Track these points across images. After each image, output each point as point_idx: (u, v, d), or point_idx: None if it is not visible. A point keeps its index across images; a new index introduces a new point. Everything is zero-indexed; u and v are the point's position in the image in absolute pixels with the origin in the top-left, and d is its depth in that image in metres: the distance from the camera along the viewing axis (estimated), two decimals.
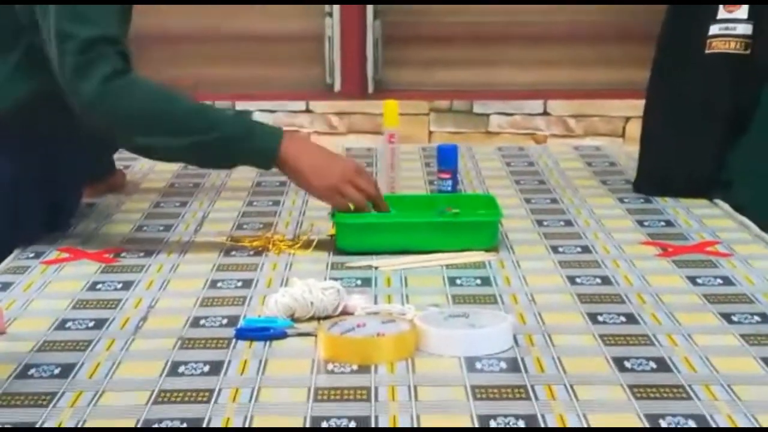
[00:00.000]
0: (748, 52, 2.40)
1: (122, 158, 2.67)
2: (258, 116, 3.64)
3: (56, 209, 2.21)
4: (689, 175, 2.45)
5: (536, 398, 1.44)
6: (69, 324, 1.73)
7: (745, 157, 2.41)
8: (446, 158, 2.39)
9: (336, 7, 3.67)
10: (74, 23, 1.98)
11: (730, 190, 2.40)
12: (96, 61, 1.97)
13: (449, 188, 2.37)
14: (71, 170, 2.24)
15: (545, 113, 3.66)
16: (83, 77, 1.97)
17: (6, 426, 1.38)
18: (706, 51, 2.43)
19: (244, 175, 2.71)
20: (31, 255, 2.08)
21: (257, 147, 2.03)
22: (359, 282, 1.92)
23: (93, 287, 1.91)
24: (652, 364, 1.54)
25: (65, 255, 2.08)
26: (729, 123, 2.42)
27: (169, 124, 2.01)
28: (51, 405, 1.43)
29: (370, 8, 3.68)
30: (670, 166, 2.48)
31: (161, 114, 2.01)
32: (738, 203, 2.35)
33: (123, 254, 2.09)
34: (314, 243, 2.13)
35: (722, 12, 2.42)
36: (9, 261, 2.06)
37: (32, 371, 1.54)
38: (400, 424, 1.37)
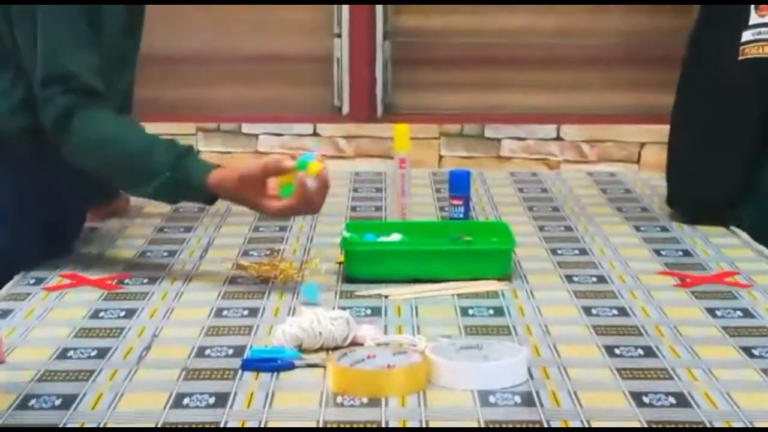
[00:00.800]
0: None
1: None
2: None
3: (58, 234, 2.18)
4: (720, 185, 2.42)
5: None
6: (70, 353, 1.69)
7: None
8: (458, 184, 2.35)
9: (345, 28, 3.64)
10: (33, 60, 2.05)
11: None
12: (48, 100, 2.03)
13: (461, 215, 2.33)
14: (73, 194, 2.22)
15: (558, 138, 3.62)
16: (42, 113, 2.05)
17: None
18: (740, 58, 2.39)
19: None
20: (32, 281, 2.05)
21: (192, 191, 2.01)
22: (369, 311, 1.88)
23: (95, 315, 1.87)
24: (672, 400, 1.50)
25: (67, 281, 2.04)
26: (761, 132, 2.39)
27: (113, 170, 2.06)
28: None
29: (379, 30, 3.65)
30: (700, 178, 2.45)
31: (106, 159, 2.04)
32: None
33: (126, 281, 2.05)
34: (323, 270, 2.09)
35: (755, 17, 2.39)
36: (9, 287, 2.02)
37: (32, 402, 1.51)
38: None
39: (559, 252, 2.24)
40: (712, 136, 2.44)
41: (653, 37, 3.60)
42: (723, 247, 2.27)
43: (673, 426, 1.42)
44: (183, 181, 1.99)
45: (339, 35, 3.66)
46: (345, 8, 3.66)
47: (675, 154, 2.53)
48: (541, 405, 1.49)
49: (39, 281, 2.04)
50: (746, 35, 2.40)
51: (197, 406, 1.49)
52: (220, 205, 2.63)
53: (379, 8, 3.66)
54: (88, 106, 2.04)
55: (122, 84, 2.23)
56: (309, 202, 1.94)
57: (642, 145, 3.57)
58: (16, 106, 2.10)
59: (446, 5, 3.72)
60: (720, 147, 2.44)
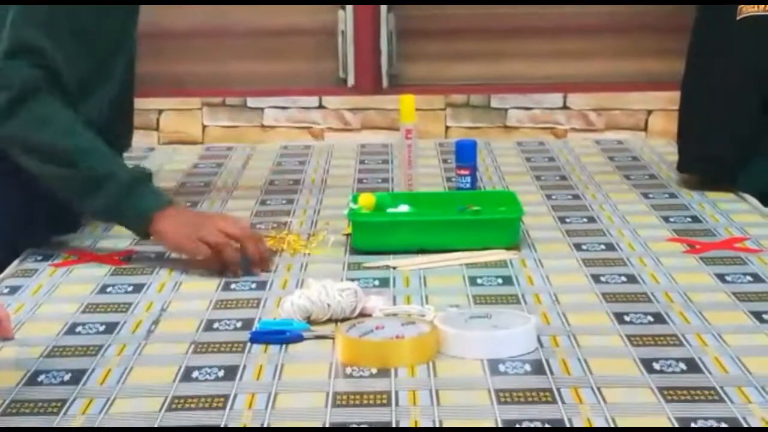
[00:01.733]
0: None
1: (131, 157, 2.63)
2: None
3: (64, 210, 2.17)
4: (730, 141, 2.42)
5: (563, 401, 1.40)
6: (79, 328, 1.69)
7: None
8: (465, 154, 2.34)
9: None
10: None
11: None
12: (8, 75, 1.97)
13: (468, 185, 2.32)
14: None
15: (565, 107, 3.60)
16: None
17: None
18: (738, 17, 2.40)
19: (257, 173, 2.67)
20: (40, 258, 2.04)
21: (131, 208, 1.99)
22: (377, 282, 1.87)
23: (103, 290, 1.87)
24: (682, 365, 1.50)
25: (74, 257, 2.04)
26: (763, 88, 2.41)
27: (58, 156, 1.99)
28: (62, 412, 1.40)
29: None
30: (710, 135, 2.45)
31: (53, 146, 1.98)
32: None
33: (133, 256, 2.04)
34: (330, 242, 2.08)
35: None
36: (17, 264, 2.02)
37: (42, 377, 1.51)
38: None
39: (567, 220, 2.23)
40: (718, 94, 2.45)
41: (660, 5, 3.58)
42: (732, 212, 2.26)
43: (684, 391, 1.41)
44: (127, 212, 1.99)
45: (343, 8, 3.64)
46: None
47: (686, 117, 2.53)
48: (551, 373, 1.48)
49: (46, 258, 2.04)
50: None
51: (206, 379, 1.49)
52: (227, 177, 2.64)
53: None
54: (45, 89, 1.99)
55: (123, 62, 2.20)
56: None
57: (649, 112, 3.55)
58: None
59: None
60: (727, 104, 2.44)
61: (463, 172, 2.33)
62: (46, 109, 1.98)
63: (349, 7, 3.63)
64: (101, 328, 1.69)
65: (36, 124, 1.97)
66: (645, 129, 3.55)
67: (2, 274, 1.96)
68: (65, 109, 2.01)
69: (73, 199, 2.03)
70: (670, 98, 3.36)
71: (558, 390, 1.43)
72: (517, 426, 1.33)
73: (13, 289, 1.88)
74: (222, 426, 1.36)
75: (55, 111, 1.99)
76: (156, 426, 1.36)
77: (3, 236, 2.09)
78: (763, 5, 2.41)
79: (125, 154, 2.54)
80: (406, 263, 1.96)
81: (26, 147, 1.99)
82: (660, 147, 2.93)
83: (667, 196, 2.41)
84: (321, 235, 2.12)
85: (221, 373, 1.50)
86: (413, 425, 1.35)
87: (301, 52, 3.70)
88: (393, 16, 3.64)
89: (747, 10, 2.42)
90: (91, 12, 2.07)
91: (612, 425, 1.33)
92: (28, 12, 2.00)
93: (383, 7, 3.63)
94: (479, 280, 1.87)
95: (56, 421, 1.38)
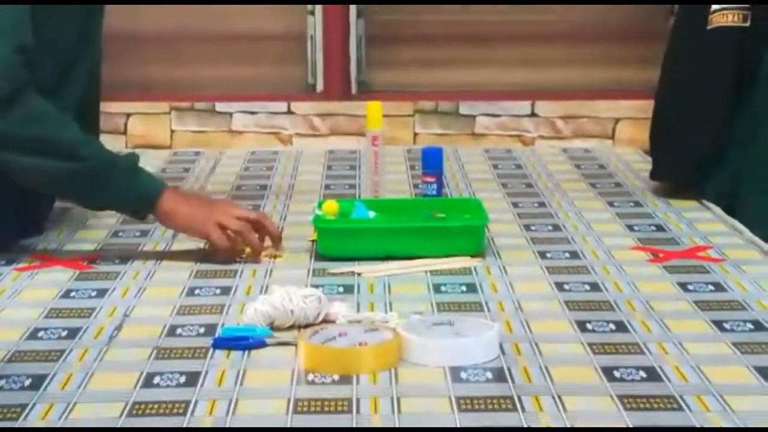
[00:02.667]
0: (747, 24, 2.40)
1: None
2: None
3: (27, 214, 2.16)
4: (700, 147, 2.45)
5: (523, 409, 1.40)
6: (41, 333, 1.69)
7: (750, 120, 2.42)
8: (431, 161, 2.34)
9: (318, 6, 3.62)
10: None
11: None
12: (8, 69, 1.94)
13: (434, 192, 2.33)
14: None
15: (533, 114, 3.61)
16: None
17: None
18: (708, 27, 2.42)
19: (222, 179, 2.67)
20: (3, 262, 2.03)
21: (138, 191, 2.01)
22: (341, 289, 1.87)
23: (66, 295, 1.86)
24: (642, 374, 1.51)
25: (38, 262, 2.03)
26: (734, 94, 2.44)
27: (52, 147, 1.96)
28: (21, 418, 1.39)
29: (353, 6, 3.63)
30: (682, 143, 2.48)
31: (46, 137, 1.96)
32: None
33: (98, 261, 2.04)
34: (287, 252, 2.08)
35: None
36: None
37: (2, 382, 1.50)
38: None
39: (533, 228, 2.24)
40: (689, 104, 2.47)
41: (629, 13, 3.59)
42: (696, 221, 2.28)
43: (644, 400, 1.42)
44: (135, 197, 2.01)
45: (312, 13, 3.64)
46: None
47: (659, 126, 2.55)
48: (513, 381, 1.49)
49: (10, 262, 2.03)
50: (714, 6, 2.43)
51: (168, 385, 1.49)
52: (193, 182, 2.63)
53: None
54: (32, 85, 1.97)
55: (86, 66, 2.19)
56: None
57: (617, 120, 3.56)
58: None
59: None
60: (698, 113, 2.46)
61: (429, 179, 2.33)
62: (40, 105, 1.96)
63: (319, 13, 3.63)
64: (63, 333, 1.68)
65: (33, 120, 1.95)
66: (612, 137, 3.56)
67: None
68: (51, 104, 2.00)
69: (74, 191, 2.02)
70: (638, 106, 3.38)
71: (519, 398, 1.43)
72: None
73: None
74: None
75: (47, 106, 1.97)
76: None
77: None
78: (730, 16, 2.43)
79: None
80: (371, 270, 1.96)
81: (24, 143, 1.95)
82: (627, 155, 2.94)
83: (632, 204, 2.43)
84: (287, 241, 2.12)
85: (183, 379, 1.50)
86: None
87: (270, 57, 3.69)
88: (363, 22, 3.64)
89: (716, 21, 2.44)
90: (51, 12, 2.05)
91: None
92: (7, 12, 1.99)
93: (353, 13, 3.63)
94: (443, 288, 1.87)
95: (15, 426, 1.37)
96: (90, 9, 2.15)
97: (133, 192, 2.00)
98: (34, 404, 1.43)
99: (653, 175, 2.55)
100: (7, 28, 1.96)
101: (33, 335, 1.68)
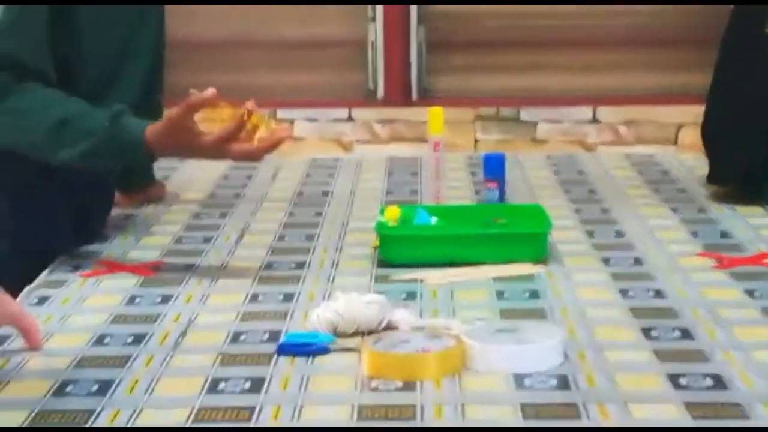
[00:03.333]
0: None
1: (162, 167, 2.64)
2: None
3: (84, 221, 2.18)
4: (756, 151, 2.41)
5: (588, 417, 1.39)
6: (107, 339, 1.70)
7: None
8: (493, 167, 2.34)
9: (379, 12, 3.63)
10: None
11: None
12: None
13: (496, 198, 2.32)
14: (92, 178, 2.19)
15: (595, 120, 3.60)
16: None
17: None
18: (766, 30, 2.39)
19: (286, 184, 2.68)
20: (69, 268, 2.05)
21: (129, 147, 1.96)
22: (404, 295, 1.87)
23: (131, 301, 1.88)
24: (709, 381, 1.49)
25: (103, 268, 2.05)
26: None
27: (33, 137, 1.98)
28: (89, 423, 1.40)
29: (414, 13, 3.64)
30: (737, 148, 2.45)
31: (29, 128, 1.98)
32: None
33: (162, 267, 2.05)
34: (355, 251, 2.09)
35: None
36: (46, 274, 2.03)
37: (69, 388, 1.51)
38: None
39: (596, 234, 2.22)
40: (744, 108, 2.44)
41: (690, 17, 3.57)
42: (761, 227, 2.25)
43: (710, 408, 1.41)
44: (120, 137, 1.94)
45: (373, 19, 3.65)
46: None
47: (712, 130, 2.52)
48: (577, 388, 1.48)
49: (76, 268, 2.05)
50: None
51: (232, 391, 1.49)
52: (257, 189, 2.64)
53: None
54: (23, 87, 1.98)
55: (135, 75, 2.19)
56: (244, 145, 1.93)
57: (679, 126, 3.54)
58: None
59: None
60: (754, 118, 2.43)
61: (491, 185, 2.33)
62: (22, 99, 1.98)
63: (379, 19, 3.64)
64: (129, 339, 1.70)
65: (13, 114, 1.98)
66: (675, 142, 3.54)
67: (31, 285, 1.97)
68: (42, 90, 2.00)
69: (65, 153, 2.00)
70: (701, 111, 3.35)
71: (584, 405, 1.42)
72: None
73: (42, 300, 1.89)
74: None
75: (30, 96, 1.99)
76: None
77: (29, 245, 2.10)
78: None
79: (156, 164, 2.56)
80: (434, 276, 1.96)
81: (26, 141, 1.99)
82: (690, 161, 2.92)
83: (696, 210, 2.40)
84: (351, 248, 2.12)
85: (247, 385, 1.51)
86: None
87: (331, 64, 3.71)
88: (423, 28, 3.65)
89: None
90: (92, 18, 2.06)
91: None
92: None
93: (413, 19, 3.64)
94: (506, 294, 1.87)
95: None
96: (137, 17, 2.15)
97: (120, 139, 1.96)
98: (102, 409, 1.44)
99: (710, 179, 2.52)
100: None
101: (99, 341, 1.69)
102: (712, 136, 2.53)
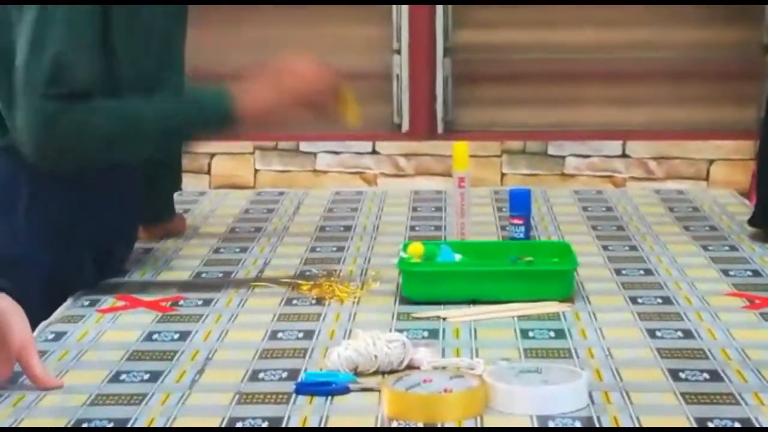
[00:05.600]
0: None
1: (182, 201, 2.62)
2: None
3: (106, 255, 2.16)
4: None
5: None
6: (123, 376, 1.67)
7: None
8: (519, 203, 2.30)
9: (404, 44, 3.61)
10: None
11: None
12: (28, 105, 1.91)
13: (522, 235, 2.28)
14: (120, 214, 2.18)
15: (624, 155, 3.56)
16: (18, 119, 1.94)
17: None
18: None
19: (307, 219, 2.65)
20: (86, 303, 2.03)
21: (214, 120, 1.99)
22: (426, 334, 1.84)
23: (149, 337, 1.85)
24: (737, 425, 1.45)
25: (121, 303, 2.02)
26: None
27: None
28: None
29: (440, 45, 3.62)
30: None
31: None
32: None
33: (181, 303, 2.03)
34: (377, 285, 2.06)
35: None
36: (64, 309, 2.01)
37: (85, 425, 1.48)
38: None
39: (624, 272, 2.19)
40: None
41: (720, 51, 3.54)
42: None
43: None
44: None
45: (399, 51, 3.63)
46: (404, 24, 3.62)
47: (763, 170, 2.47)
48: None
49: (93, 303, 2.03)
50: None
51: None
52: (278, 223, 2.62)
53: (439, 23, 3.63)
54: (74, 109, 1.94)
55: (176, 77, 2.15)
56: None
57: (711, 161, 3.50)
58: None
59: (507, 19, 3.67)
60: None
61: (516, 221, 2.29)
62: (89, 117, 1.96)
63: (405, 51, 3.62)
64: (146, 377, 1.67)
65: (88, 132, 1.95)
66: (706, 179, 3.50)
67: (48, 319, 1.95)
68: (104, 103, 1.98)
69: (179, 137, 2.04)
70: (733, 147, 3.32)
71: None
72: None
73: (59, 335, 1.86)
74: None
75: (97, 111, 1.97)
76: None
77: (55, 279, 2.08)
78: None
79: (176, 195, 2.55)
80: (457, 314, 1.92)
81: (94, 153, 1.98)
82: (722, 197, 2.87)
83: (727, 248, 2.36)
84: (372, 285, 2.10)
85: (265, 425, 1.48)
86: None
87: (355, 96, 3.69)
88: (449, 61, 3.63)
89: None
90: (129, 30, 2.03)
91: None
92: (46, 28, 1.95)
93: (439, 51, 3.62)
94: (531, 333, 1.83)
95: None
96: (170, 27, 2.12)
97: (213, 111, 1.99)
98: None
99: (752, 221, 2.47)
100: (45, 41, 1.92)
101: (116, 378, 1.67)
102: (762, 176, 2.47)
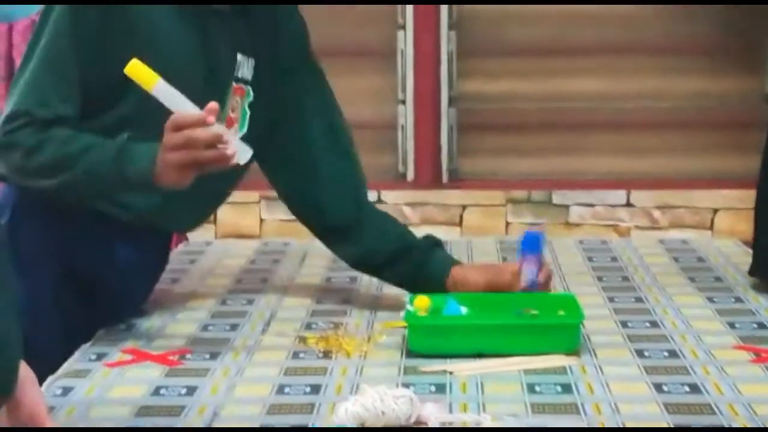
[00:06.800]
0: None
1: (188, 252, 2.61)
2: None
3: (121, 302, 2.20)
4: None
5: None
6: None
7: None
8: (531, 246, 2.23)
9: (409, 95, 3.63)
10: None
11: None
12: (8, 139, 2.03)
13: (535, 277, 2.22)
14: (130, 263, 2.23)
15: (628, 204, 3.56)
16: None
17: None
18: None
19: (314, 271, 2.65)
20: (93, 357, 2.02)
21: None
22: (433, 388, 1.83)
23: (156, 392, 1.84)
24: None
25: (128, 357, 2.02)
26: None
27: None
28: None
29: (444, 95, 3.63)
30: None
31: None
32: None
33: (188, 356, 2.02)
34: (383, 340, 2.05)
35: None
36: (70, 363, 2.00)
37: None
38: None
39: (630, 324, 2.18)
40: None
41: (723, 100, 3.54)
42: None
43: None
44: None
45: (404, 102, 3.64)
46: (409, 74, 3.64)
47: (762, 219, 2.46)
48: None
49: (100, 357, 2.02)
50: None
51: None
52: (284, 274, 2.61)
53: (443, 74, 3.64)
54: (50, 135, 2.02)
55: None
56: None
57: (715, 211, 3.50)
58: None
59: (511, 69, 3.68)
60: None
61: (529, 264, 2.23)
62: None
63: (410, 101, 3.63)
64: None
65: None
66: (711, 228, 3.49)
67: (56, 374, 1.94)
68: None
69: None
70: (738, 196, 3.31)
71: None
72: None
73: (66, 390, 1.86)
74: None
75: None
76: None
77: (72, 327, 2.12)
78: None
79: (182, 246, 2.54)
80: (463, 368, 1.92)
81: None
82: (727, 247, 2.87)
83: (733, 300, 2.35)
84: (378, 338, 2.09)
85: None
86: None
87: (361, 146, 3.69)
88: (454, 111, 3.64)
89: None
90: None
91: None
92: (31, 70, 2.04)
93: (444, 101, 3.63)
94: (537, 388, 1.83)
95: None
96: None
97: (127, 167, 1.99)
98: None
99: (752, 271, 2.47)
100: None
101: None
102: (760, 225, 2.47)
